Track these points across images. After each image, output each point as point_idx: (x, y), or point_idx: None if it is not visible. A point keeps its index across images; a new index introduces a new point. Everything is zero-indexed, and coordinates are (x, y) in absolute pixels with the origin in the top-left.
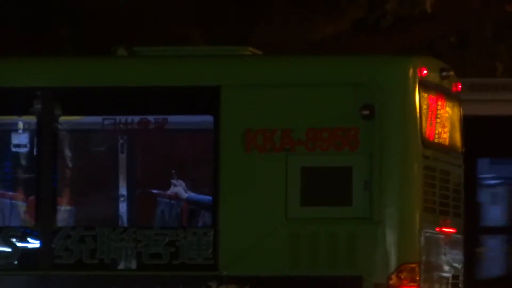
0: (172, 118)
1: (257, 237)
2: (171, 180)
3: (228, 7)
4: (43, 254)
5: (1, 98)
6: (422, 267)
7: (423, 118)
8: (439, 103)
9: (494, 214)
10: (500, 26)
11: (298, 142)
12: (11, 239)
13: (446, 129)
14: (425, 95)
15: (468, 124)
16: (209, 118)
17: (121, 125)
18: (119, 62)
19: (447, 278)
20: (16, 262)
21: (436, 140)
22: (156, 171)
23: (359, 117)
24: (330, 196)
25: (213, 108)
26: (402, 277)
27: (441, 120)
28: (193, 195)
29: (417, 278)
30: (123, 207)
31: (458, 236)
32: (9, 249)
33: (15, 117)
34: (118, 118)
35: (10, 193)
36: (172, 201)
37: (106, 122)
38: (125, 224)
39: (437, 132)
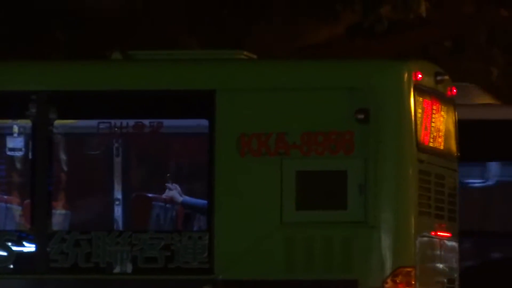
0: (167, 122)
1: (253, 241)
2: (166, 184)
3: (221, 12)
4: (39, 257)
5: None
6: (418, 271)
7: (418, 122)
8: (434, 107)
9: None
10: (495, 30)
11: (293, 146)
12: (7, 243)
13: (441, 133)
14: (420, 99)
15: None
16: (204, 122)
17: (116, 129)
18: (114, 66)
19: (442, 282)
20: (11, 266)
21: (431, 144)
22: (151, 174)
23: (354, 121)
24: (325, 200)
25: (208, 112)
26: (397, 281)
27: (436, 124)
28: (188, 199)
29: (413, 282)
30: (118, 211)
31: (454, 240)
32: (4, 253)
33: (10, 121)
34: (113, 121)
35: (6, 197)
36: (167, 205)
37: (101, 126)
38: (120, 228)
39: (432, 136)
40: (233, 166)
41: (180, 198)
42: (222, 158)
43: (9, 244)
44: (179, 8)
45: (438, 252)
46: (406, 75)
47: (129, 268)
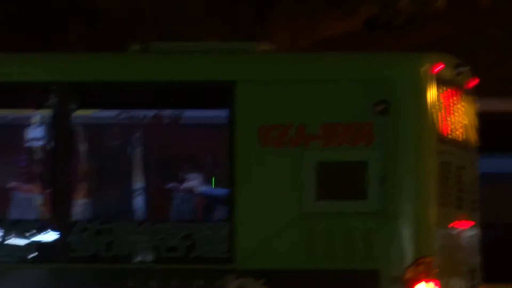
0: (187, 113)
1: (273, 231)
2: (187, 174)
3: (238, 5)
4: (60, 247)
5: (17, 93)
6: (439, 261)
7: (438, 113)
8: (454, 98)
9: None
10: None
11: (313, 137)
12: (28, 233)
13: (461, 125)
14: (440, 91)
15: None
16: (224, 113)
17: (136, 120)
18: (134, 57)
19: (463, 272)
20: (32, 255)
21: (451, 136)
22: (172, 165)
23: (374, 113)
24: (345, 191)
25: (229, 103)
26: (419, 271)
27: (456, 115)
28: (208, 189)
29: (434, 272)
30: (139, 201)
31: (474, 230)
32: (25, 242)
33: (31, 111)
34: (133, 112)
35: (26, 186)
36: (188, 195)
37: (121, 116)
38: (141, 218)
39: (452, 127)
40: (254, 157)
41: (200, 188)
42: (242, 148)
43: (30, 233)
44: (197, 1)
45: (459, 242)
46: (426, 67)
47: (150, 257)
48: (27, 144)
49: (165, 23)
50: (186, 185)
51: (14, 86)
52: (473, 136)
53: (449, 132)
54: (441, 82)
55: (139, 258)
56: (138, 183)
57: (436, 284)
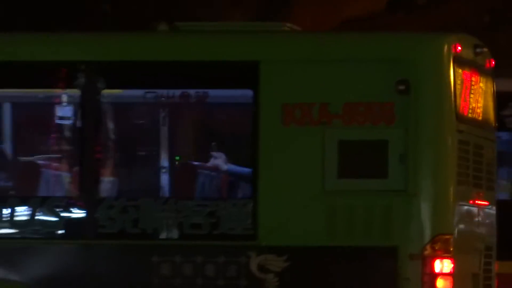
0: (212, 92)
1: (295, 208)
2: (211, 152)
3: None
4: (87, 223)
5: (46, 72)
6: (456, 238)
7: (457, 93)
8: (473, 78)
9: None
10: None
11: (335, 116)
12: (56, 209)
13: (480, 104)
14: (460, 70)
15: None
16: (248, 92)
17: (162, 99)
18: (161, 37)
19: (480, 249)
20: (60, 231)
21: (470, 115)
22: (196, 143)
23: (395, 92)
24: (367, 169)
25: (253, 82)
26: (436, 248)
27: (475, 95)
28: (232, 167)
29: (451, 249)
30: (164, 179)
31: (491, 208)
32: (54, 219)
33: (59, 90)
34: (160, 91)
35: (55, 164)
36: (213, 173)
37: (148, 95)
38: (167, 195)
39: (471, 107)
40: (277, 135)
41: (225, 166)
42: (265, 127)
43: (59, 210)
44: None
45: (476, 220)
46: (445, 47)
47: (175, 234)
48: (56, 123)
49: (193, 5)
50: (211, 163)
51: (44, 65)
52: (491, 116)
53: (468, 112)
54: (461, 62)
55: (164, 235)
56: (164, 161)
57: (451, 262)
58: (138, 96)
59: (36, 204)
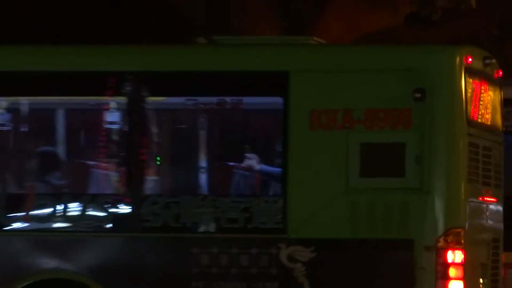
0: (246, 99)
1: (321, 204)
2: (245, 154)
3: (295, 3)
4: (133, 218)
5: (96, 81)
6: (467, 231)
7: (468, 100)
8: (482, 87)
9: None
10: None
11: (358, 121)
12: (105, 205)
13: (488, 111)
14: (470, 80)
15: None
16: (279, 100)
17: (201, 105)
18: (201, 49)
19: (488, 241)
20: (109, 225)
21: (479, 120)
22: (232, 146)
23: (412, 99)
24: (386, 169)
25: (283, 90)
26: (449, 240)
27: (484, 102)
28: (264, 167)
29: (462, 241)
30: (203, 178)
31: (498, 204)
32: (103, 214)
33: (108, 98)
34: (199, 98)
35: (104, 164)
36: (246, 173)
37: (188, 102)
38: (205, 193)
39: (480, 113)
40: (304, 139)
41: (257, 166)
42: (294, 131)
43: (107, 206)
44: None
45: (484, 215)
46: (458, 58)
47: (212, 227)
48: (105, 127)
49: (228, 19)
50: (245, 163)
51: (94, 74)
52: (498, 121)
53: (478, 117)
54: (471, 72)
55: (202, 228)
56: (202, 162)
57: (462, 253)
58: (179, 103)
59: (87, 200)
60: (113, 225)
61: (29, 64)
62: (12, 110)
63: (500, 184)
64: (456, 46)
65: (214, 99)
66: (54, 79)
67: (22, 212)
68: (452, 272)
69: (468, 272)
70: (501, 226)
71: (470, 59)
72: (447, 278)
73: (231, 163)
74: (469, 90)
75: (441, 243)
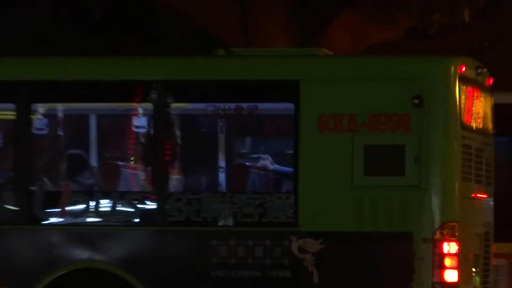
0: (261, 105)
1: (329, 201)
2: (260, 155)
3: (306, 18)
4: (159, 213)
5: (125, 89)
6: (461, 225)
7: (462, 106)
8: (475, 94)
9: None
10: None
11: (362, 125)
12: (134, 201)
13: (480, 115)
14: (464, 87)
15: None
16: (290, 106)
17: (220, 111)
18: (219, 60)
19: (480, 234)
20: (137, 220)
21: (472, 124)
22: (248, 147)
23: (410, 105)
24: (387, 168)
25: (294, 97)
26: (444, 233)
27: (476, 108)
28: (277, 167)
29: (457, 234)
30: (222, 176)
31: (489, 200)
32: (132, 209)
33: (135, 104)
34: (218, 105)
35: (133, 165)
36: (261, 172)
37: (208, 108)
38: (224, 190)
39: (473, 117)
40: (314, 141)
41: (271, 166)
42: (304, 134)
43: (135, 202)
44: (273, 15)
45: (477, 210)
46: (452, 68)
47: (230, 222)
48: (133, 131)
49: (243, 32)
50: (260, 163)
51: (123, 83)
52: (489, 124)
53: (470, 121)
54: (465, 80)
55: (221, 222)
56: (221, 162)
57: (457, 244)
58: (200, 108)
59: (117, 197)
60: (140, 219)
61: (65, 74)
62: (49, 115)
63: (491, 182)
64: (451, 57)
65: (232, 105)
66: (87, 87)
67: (59, 208)
68: (447, 262)
69: (462, 262)
70: (492, 219)
71: (463, 69)
72: (443, 267)
73: (247, 163)
74: (463, 97)
75: (437, 236)
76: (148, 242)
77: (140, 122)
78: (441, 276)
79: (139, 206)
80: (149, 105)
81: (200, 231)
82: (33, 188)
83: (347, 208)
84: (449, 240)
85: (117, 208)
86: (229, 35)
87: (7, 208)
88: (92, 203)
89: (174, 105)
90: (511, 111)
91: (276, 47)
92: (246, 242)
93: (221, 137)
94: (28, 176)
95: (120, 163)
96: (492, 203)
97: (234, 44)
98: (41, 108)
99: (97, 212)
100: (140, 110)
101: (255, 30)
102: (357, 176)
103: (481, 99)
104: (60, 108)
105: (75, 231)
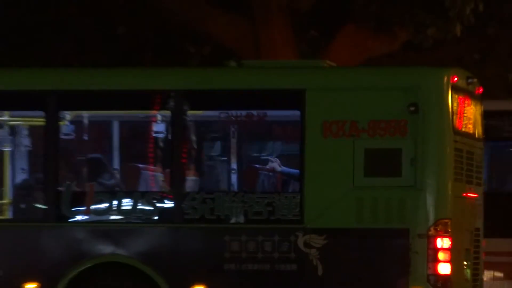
0: (270, 112)
1: (332, 199)
2: (269, 158)
3: (312, 34)
4: (175, 211)
5: (145, 97)
6: (453, 222)
7: (454, 113)
8: (466, 102)
9: None
10: None
11: (362, 130)
12: (153, 200)
13: (471, 121)
14: (456, 96)
15: None
16: (297, 113)
17: (232, 117)
18: (232, 71)
19: (471, 230)
20: (156, 217)
21: (463, 129)
22: (258, 151)
23: (407, 112)
24: (386, 170)
25: (300, 105)
26: (438, 229)
27: (467, 114)
28: (285, 169)
29: (449, 230)
30: (234, 178)
31: (479, 199)
32: (151, 208)
33: (155, 112)
34: (230, 112)
35: (152, 167)
36: (270, 173)
37: (221, 115)
38: (236, 190)
39: (464, 123)
40: (318, 145)
41: (279, 168)
42: (310, 139)
43: (154, 201)
44: (279, 31)
45: (467, 208)
46: (445, 78)
47: (241, 219)
48: (152, 136)
49: (254, 46)
50: (268, 166)
51: (143, 92)
52: (479, 130)
53: (462, 127)
54: (457, 89)
55: (233, 220)
56: (233, 164)
57: (450, 240)
58: (214, 115)
59: (138, 197)
60: (159, 217)
61: (91, 84)
62: (76, 122)
63: (480, 183)
64: (444, 68)
65: (243, 112)
66: (110, 96)
67: (84, 207)
68: (441, 255)
69: (454, 256)
70: (481, 217)
71: (455, 79)
72: (436, 260)
73: (257, 165)
74: (455, 104)
75: (431, 232)
76: (166, 238)
77: (159, 128)
78: (435, 268)
79: (157, 205)
80: (167, 113)
81: (214, 227)
82: (61, 188)
83: (349, 207)
84: (442, 236)
85: (137, 207)
86: (241, 48)
87: (38, 207)
88: (115, 202)
89: (190, 112)
90: (499, 117)
91: (283, 59)
92: (256, 238)
93: (233, 141)
94: (56, 177)
95: (140, 165)
96: (481, 201)
97: (245, 57)
98: (68, 115)
99: (119, 211)
100: (159, 117)
101: (264, 43)
102: (358, 177)
103: (472, 106)
104: (85, 115)
105: (99, 228)
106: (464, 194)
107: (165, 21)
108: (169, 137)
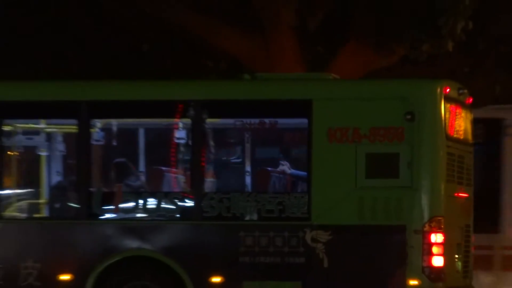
0: (280, 120)
1: (336, 199)
2: (280, 161)
3: (317, 49)
4: (195, 210)
5: (167, 107)
6: (446, 219)
7: (446, 121)
8: (457, 111)
9: None
10: (499, 59)
11: (364, 136)
12: (175, 200)
13: (462, 128)
14: (448, 105)
15: None
16: (305, 120)
17: (246, 125)
18: (246, 83)
19: (462, 227)
20: (177, 215)
21: (454, 135)
22: (269, 155)
23: (404, 120)
24: (385, 172)
25: (307, 113)
26: (432, 225)
27: (458, 122)
28: (294, 171)
29: (442, 226)
30: (248, 179)
31: (469, 198)
32: (173, 207)
33: (177, 120)
34: (244, 120)
35: (174, 169)
36: (280, 175)
37: (237, 122)
38: (249, 190)
39: (455, 130)
40: (324, 149)
41: (289, 171)
42: (316, 144)
43: (176, 200)
44: (288, 47)
45: (459, 207)
46: (438, 89)
47: (255, 216)
48: (174, 141)
49: (266, 60)
50: (279, 168)
51: (165, 102)
52: (469, 135)
53: (453, 133)
54: (449, 99)
55: (247, 217)
56: (247, 167)
57: (443, 235)
58: (230, 123)
59: (161, 196)
60: (180, 215)
61: (119, 95)
62: (105, 129)
63: (470, 183)
64: (437, 80)
65: (256, 120)
66: (137, 106)
67: (113, 206)
68: (434, 249)
69: (447, 249)
70: (471, 215)
71: (448, 90)
72: (431, 254)
73: (268, 168)
74: (447, 113)
75: (426, 228)
76: (187, 234)
77: (180, 135)
78: (429, 261)
79: (179, 204)
80: (188, 121)
81: (230, 224)
82: (92, 189)
83: (352, 205)
84: (436, 232)
85: (161, 206)
86: (253, 62)
87: (71, 206)
88: (140, 202)
89: (209, 120)
90: (487, 124)
91: (292, 72)
92: (268, 233)
93: (247, 146)
94: (88, 179)
95: (163, 168)
96: (471, 200)
97: (258, 70)
98: (99, 123)
99: (144, 209)
100: (181, 125)
101: (275, 58)
102: (360, 179)
103: (462, 114)
104: (114, 123)
105: (127, 225)
106: (456, 194)
107: (185, 37)
108: (190, 142)
